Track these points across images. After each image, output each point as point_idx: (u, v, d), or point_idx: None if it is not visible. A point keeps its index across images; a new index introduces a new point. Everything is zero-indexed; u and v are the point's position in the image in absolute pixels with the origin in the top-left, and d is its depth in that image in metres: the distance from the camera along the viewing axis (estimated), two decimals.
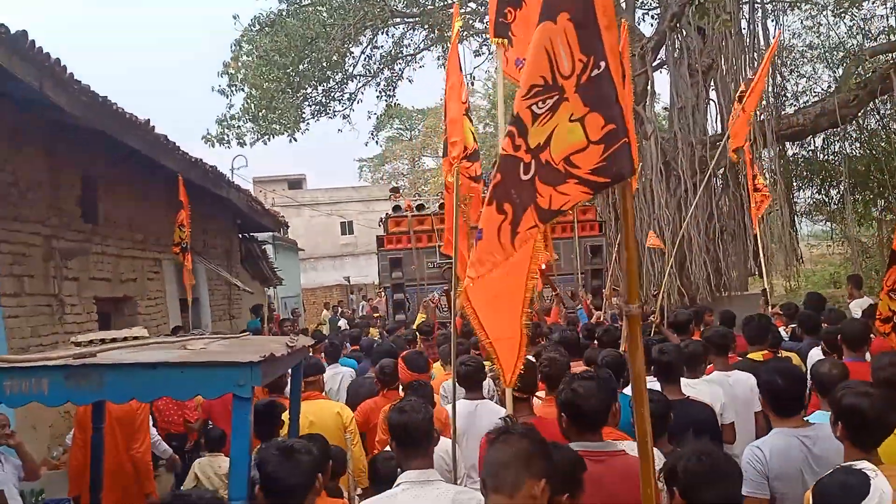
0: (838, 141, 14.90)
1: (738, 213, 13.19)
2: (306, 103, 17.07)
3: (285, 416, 3.83)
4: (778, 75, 14.32)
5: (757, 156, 12.17)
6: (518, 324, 2.44)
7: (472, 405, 4.07)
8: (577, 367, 4.33)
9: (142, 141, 7.70)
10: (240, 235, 15.01)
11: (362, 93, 17.84)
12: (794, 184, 15.81)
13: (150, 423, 5.30)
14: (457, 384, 3.96)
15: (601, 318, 8.81)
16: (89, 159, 7.77)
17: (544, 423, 3.15)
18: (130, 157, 8.05)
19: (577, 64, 1.89)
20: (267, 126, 16.40)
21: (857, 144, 15.55)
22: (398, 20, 16.49)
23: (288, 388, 4.07)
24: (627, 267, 2.00)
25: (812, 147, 15.84)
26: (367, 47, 17.19)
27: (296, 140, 17.00)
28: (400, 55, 17.76)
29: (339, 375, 6.40)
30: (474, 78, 19.28)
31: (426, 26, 16.49)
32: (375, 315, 16.89)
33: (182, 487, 4.95)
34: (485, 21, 14.50)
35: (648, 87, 13.24)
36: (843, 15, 14.46)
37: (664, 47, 13.37)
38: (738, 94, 7.62)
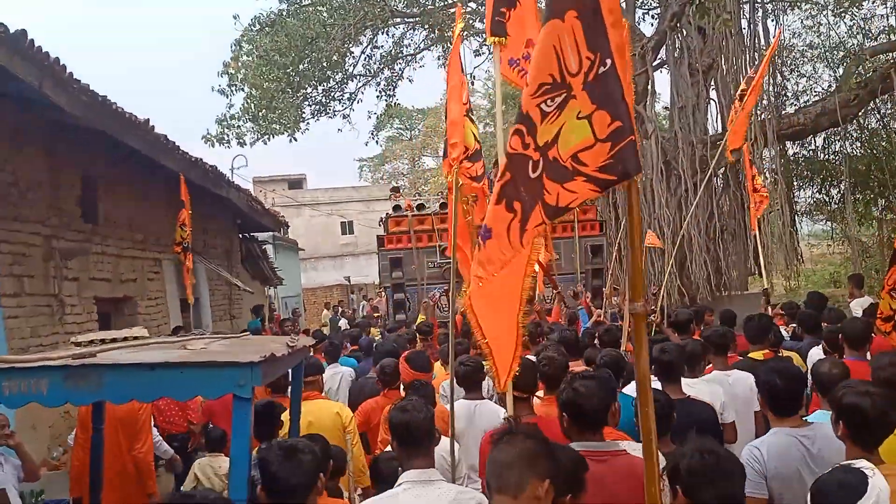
0: (839, 140, 14.89)
1: (738, 212, 13.19)
2: (306, 103, 17.05)
3: (285, 416, 3.83)
4: (778, 75, 14.31)
5: (758, 155, 12.19)
6: (515, 324, 2.44)
7: (471, 405, 4.05)
8: (577, 366, 4.33)
9: (142, 141, 7.70)
10: (240, 235, 15.01)
11: (362, 93, 17.87)
12: (795, 183, 15.81)
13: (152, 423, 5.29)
14: (456, 384, 3.95)
15: (601, 317, 8.79)
16: (89, 159, 7.76)
17: (545, 422, 3.15)
18: (130, 157, 8.05)
19: (584, 61, 1.89)
20: (267, 126, 16.39)
21: (858, 144, 15.56)
22: (398, 20, 16.48)
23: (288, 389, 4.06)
24: (633, 264, 1.98)
25: (812, 146, 15.86)
26: (367, 47, 17.21)
27: (296, 140, 17.02)
28: (400, 55, 17.75)
29: (338, 375, 6.39)
30: (474, 78, 19.24)
31: (426, 26, 16.48)
32: (376, 315, 16.89)
33: (182, 488, 4.94)
34: (485, 21, 14.44)
35: (649, 87, 13.23)
36: (843, 14, 14.44)
37: (664, 47, 13.36)
38: (738, 93, 7.62)
